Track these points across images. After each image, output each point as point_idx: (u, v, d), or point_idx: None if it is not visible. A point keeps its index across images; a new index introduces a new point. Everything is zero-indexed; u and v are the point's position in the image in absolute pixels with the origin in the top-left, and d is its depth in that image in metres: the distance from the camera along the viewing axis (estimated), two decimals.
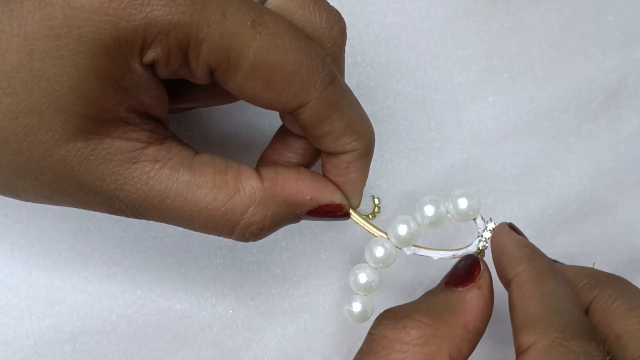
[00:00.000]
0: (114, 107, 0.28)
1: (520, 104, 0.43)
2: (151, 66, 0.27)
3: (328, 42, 0.30)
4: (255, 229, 0.31)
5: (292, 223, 0.33)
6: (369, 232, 0.34)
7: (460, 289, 0.30)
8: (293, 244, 0.41)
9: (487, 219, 0.33)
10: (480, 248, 0.33)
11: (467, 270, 0.31)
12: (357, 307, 0.35)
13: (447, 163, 0.42)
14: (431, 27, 0.42)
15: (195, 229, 0.31)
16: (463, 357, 0.29)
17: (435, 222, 0.33)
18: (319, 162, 0.34)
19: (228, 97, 0.31)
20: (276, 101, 0.29)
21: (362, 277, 0.34)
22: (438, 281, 0.32)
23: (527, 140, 0.43)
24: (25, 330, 0.38)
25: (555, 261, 0.34)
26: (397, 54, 0.42)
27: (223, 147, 0.40)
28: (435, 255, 0.33)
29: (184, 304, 0.39)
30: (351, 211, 0.33)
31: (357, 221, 0.34)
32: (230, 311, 0.40)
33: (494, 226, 0.33)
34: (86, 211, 0.31)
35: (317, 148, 0.32)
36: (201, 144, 0.39)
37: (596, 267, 0.34)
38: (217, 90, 0.31)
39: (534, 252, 0.31)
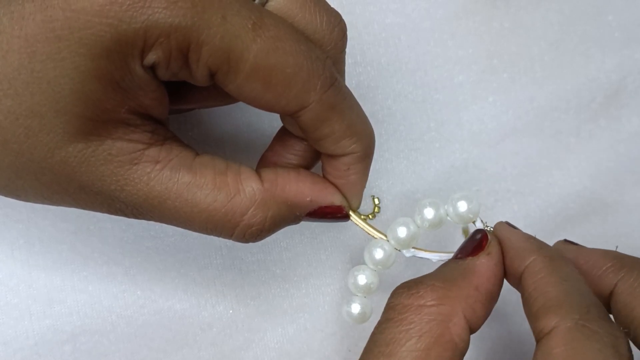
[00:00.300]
0: (115, 108, 0.28)
1: (520, 104, 0.43)
2: (152, 68, 0.27)
3: (328, 44, 0.30)
4: (255, 230, 0.31)
5: (292, 224, 0.33)
6: (369, 234, 0.34)
7: (470, 258, 0.31)
8: (293, 244, 0.41)
9: (486, 221, 0.33)
10: None
11: (475, 242, 0.31)
12: (355, 308, 0.35)
13: (447, 163, 0.42)
14: (431, 27, 0.42)
15: (195, 230, 0.31)
16: (478, 318, 0.29)
17: (435, 224, 0.33)
18: (319, 163, 0.34)
19: (228, 98, 0.31)
20: (276, 103, 0.29)
21: (362, 279, 0.34)
22: None
23: (527, 140, 0.43)
24: (25, 330, 0.38)
25: (577, 244, 0.34)
26: (397, 54, 0.42)
27: (223, 148, 0.40)
28: (435, 257, 0.33)
29: (184, 304, 0.40)
30: (351, 213, 0.33)
31: (357, 223, 0.34)
32: (230, 311, 0.40)
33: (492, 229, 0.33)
34: (86, 211, 0.31)
35: (317, 150, 0.32)
36: (201, 144, 0.39)
37: None
38: (217, 91, 0.31)
39: (540, 243, 0.31)
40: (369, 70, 0.41)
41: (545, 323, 0.27)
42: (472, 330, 0.29)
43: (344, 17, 0.31)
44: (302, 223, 0.33)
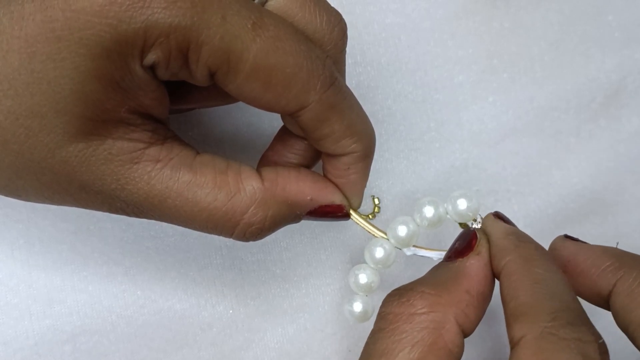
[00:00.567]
0: (115, 108, 0.28)
1: (520, 104, 0.43)
2: (151, 68, 0.27)
3: (329, 43, 0.30)
4: (256, 229, 0.31)
5: (293, 223, 0.33)
6: (369, 232, 0.34)
7: (460, 259, 0.31)
8: (293, 244, 0.41)
9: (479, 214, 0.33)
10: None
11: (465, 242, 0.31)
12: (358, 307, 0.35)
13: (447, 163, 0.42)
14: (431, 27, 0.42)
15: (195, 229, 0.31)
16: (470, 322, 0.29)
17: (435, 223, 0.33)
18: (320, 162, 0.34)
19: (228, 98, 0.31)
20: (276, 103, 0.29)
21: (362, 278, 0.34)
22: None
23: (527, 140, 0.43)
24: (25, 330, 0.38)
25: (577, 239, 0.34)
26: (397, 54, 0.42)
27: (223, 147, 0.40)
28: (435, 255, 0.33)
29: (184, 304, 0.40)
30: (351, 212, 0.33)
31: (357, 222, 0.34)
32: (230, 311, 0.40)
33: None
34: (86, 211, 0.31)
35: (318, 149, 0.32)
36: (201, 144, 0.39)
37: None
38: (217, 91, 0.31)
39: (520, 240, 0.30)
40: (369, 70, 0.41)
41: (515, 332, 0.26)
42: (466, 334, 0.29)
43: (344, 17, 0.31)
44: (302, 223, 0.33)
